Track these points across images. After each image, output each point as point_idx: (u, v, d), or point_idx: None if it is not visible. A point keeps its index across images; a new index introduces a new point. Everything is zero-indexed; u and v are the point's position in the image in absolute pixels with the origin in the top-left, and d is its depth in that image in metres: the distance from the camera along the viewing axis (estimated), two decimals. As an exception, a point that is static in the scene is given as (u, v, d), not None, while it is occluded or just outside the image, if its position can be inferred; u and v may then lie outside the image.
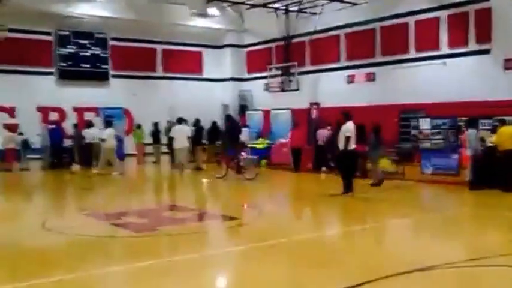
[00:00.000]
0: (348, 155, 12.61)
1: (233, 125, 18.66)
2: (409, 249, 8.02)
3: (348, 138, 12.41)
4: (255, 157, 18.14)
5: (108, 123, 20.04)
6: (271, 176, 18.52)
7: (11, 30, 20.82)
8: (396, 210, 11.53)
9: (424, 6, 19.81)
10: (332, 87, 22.69)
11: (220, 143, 20.21)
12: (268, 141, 21.30)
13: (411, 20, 20.22)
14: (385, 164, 15.47)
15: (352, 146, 12.51)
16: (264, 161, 20.27)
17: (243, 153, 17.27)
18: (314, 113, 22.24)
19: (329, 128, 18.10)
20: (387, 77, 20.91)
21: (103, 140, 18.36)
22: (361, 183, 13.98)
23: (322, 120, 20.11)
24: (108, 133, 18.23)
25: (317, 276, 6.33)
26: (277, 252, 7.62)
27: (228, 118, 19.57)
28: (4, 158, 19.73)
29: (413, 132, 17.03)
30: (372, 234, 9.23)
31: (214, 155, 21.25)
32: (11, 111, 22.42)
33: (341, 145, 12.55)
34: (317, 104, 22.74)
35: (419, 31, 19.93)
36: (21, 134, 20.50)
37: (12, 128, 20.76)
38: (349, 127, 12.56)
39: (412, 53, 20.23)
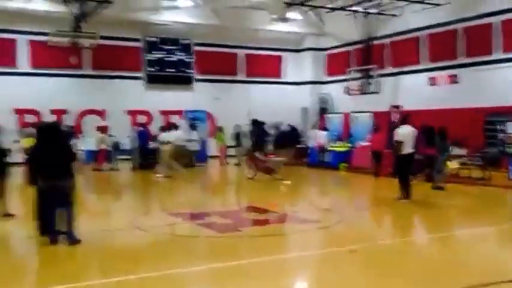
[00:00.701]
0: (401, 160, 12.46)
1: (259, 129, 18.82)
2: (493, 259, 7.79)
3: (398, 143, 12.27)
4: (283, 159, 18.41)
5: (192, 126, 20.77)
6: (350, 180, 18.49)
7: (102, 38, 21.97)
8: (479, 218, 11.21)
9: (509, 6, 19.11)
10: (413, 90, 22.29)
11: (250, 146, 20.55)
12: (348, 145, 21.23)
13: (496, 20, 19.54)
14: (452, 167, 15.06)
15: (408, 150, 12.34)
16: (343, 165, 20.25)
17: (270, 156, 18.03)
18: (395, 116, 21.95)
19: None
20: (471, 79, 20.29)
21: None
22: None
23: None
24: (176, 135, 18.85)
25: (399, 284, 6.32)
26: (357, 257, 7.65)
27: (254, 123, 19.92)
28: (96, 159, 20.87)
29: (500, 136, 16.48)
30: (452, 242, 9.07)
31: (293, 158, 21.54)
32: (102, 114, 23.67)
33: (395, 150, 12.46)
34: (398, 106, 22.41)
35: (506, 31, 19.23)
36: (111, 135, 21.61)
37: (103, 129, 21.90)
38: (400, 131, 12.41)
39: (498, 54, 19.52)
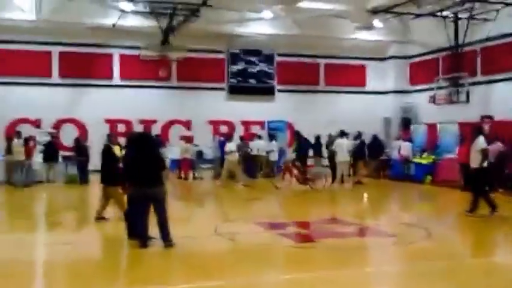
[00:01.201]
0: (480, 173, 12.06)
1: (302, 141, 19.56)
2: None
3: (484, 154, 11.88)
4: (323, 169, 18.61)
5: (271, 136, 20.95)
6: (436, 194, 17.98)
7: (188, 50, 22.76)
8: None
9: None
10: (508, 99, 21.14)
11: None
12: (433, 157, 20.60)
13: None
14: None
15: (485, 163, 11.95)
16: (428, 178, 19.71)
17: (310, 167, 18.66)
18: (486, 127, 20.96)
19: (500, 143, 17.01)
20: None
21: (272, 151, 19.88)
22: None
23: (493, 135, 18.92)
24: (230, 146, 19.20)
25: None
26: (440, 275, 7.45)
27: (297, 134, 20.16)
28: (180, 167, 21.56)
29: None
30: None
31: (375, 169, 21.27)
32: (187, 124, 24.41)
33: (474, 163, 12.01)
34: (490, 117, 21.30)
35: None
36: (196, 145, 22.26)
37: (188, 139, 22.59)
38: (480, 142, 12.01)
39: None
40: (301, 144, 19.78)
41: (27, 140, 19.68)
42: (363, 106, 26.60)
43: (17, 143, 19.16)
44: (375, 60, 27.79)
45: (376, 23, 23.58)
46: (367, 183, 19.53)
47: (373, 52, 27.34)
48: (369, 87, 27.85)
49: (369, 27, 23.67)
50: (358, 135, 21.09)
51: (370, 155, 21.23)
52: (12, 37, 21.95)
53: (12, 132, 20.87)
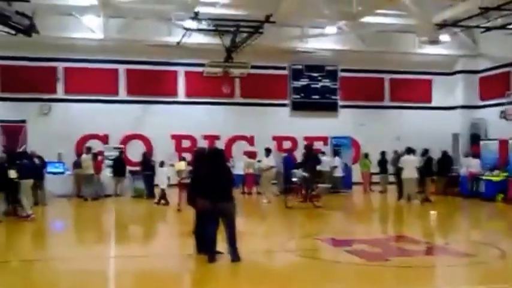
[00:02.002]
0: None
1: (310, 156, 18.58)
2: None
3: None
4: (329, 186, 18.46)
5: (335, 152, 20.71)
6: (507, 212, 17.28)
7: (252, 67, 22.92)
8: None
9: None
10: None
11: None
12: (505, 174, 19.78)
13: None
14: None
15: None
16: (500, 196, 18.96)
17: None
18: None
19: None
20: None
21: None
22: None
23: None
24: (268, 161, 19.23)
25: None
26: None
27: (307, 148, 19.57)
28: (244, 183, 21.64)
29: None
30: None
31: (443, 186, 20.67)
32: (250, 140, 24.54)
33: None
34: None
35: None
36: (259, 161, 22.28)
37: (251, 155, 22.69)
38: None
39: None
40: (309, 159, 18.76)
41: (96, 155, 20.31)
42: (430, 122, 26.01)
43: (86, 157, 19.78)
44: (442, 75, 27.16)
45: (443, 36, 23.03)
46: (435, 200, 18.98)
47: (439, 66, 26.73)
48: (435, 102, 27.23)
49: (436, 41, 23.14)
50: (425, 152, 20.54)
51: (438, 171, 20.62)
52: (82, 56, 22.83)
53: (81, 147, 21.57)
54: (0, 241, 11.97)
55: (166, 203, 17.44)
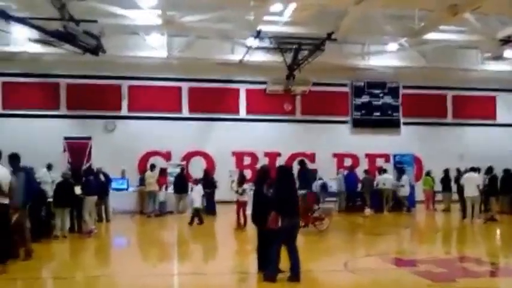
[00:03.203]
0: None
1: (304, 173, 17.89)
2: None
3: None
4: (332, 206, 17.43)
5: (400, 170, 20.36)
6: None
7: (313, 84, 23.00)
8: None
9: None
10: None
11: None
12: None
13: None
14: None
15: None
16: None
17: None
18: None
19: None
20: None
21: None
22: None
23: None
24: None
25: None
26: None
27: (300, 164, 18.99)
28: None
29: None
30: None
31: (508, 205, 19.96)
32: (311, 157, 24.45)
33: None
34: None
35: None
36: (320, 178, 22.19)
37: (313, 172, 22.60)
38: None
39: None
40: (302, 176, 17.77)
41: (163, 171, 20.70)
42: (494, 139, 25.34)
43: (150, 174, 20.19)
44: (506, 91, 26.36)
45: (507, 52, 22.40)
46: (500, 219, 18.33)
47: (503, 83, 25.98)
48: (499, 119, 26.42)
49: (499, 57, 22.56)
50: (490, 170, 19.90)
51: (502, 190, 19.92)
52: (146, 74, 23.44)
53: (144, 164, 22.08)
54: (65, 257, 12.32)
55: (201, 223, 17.01)
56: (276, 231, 8.73)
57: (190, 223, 16.86)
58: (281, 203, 8.80)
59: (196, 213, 17.09)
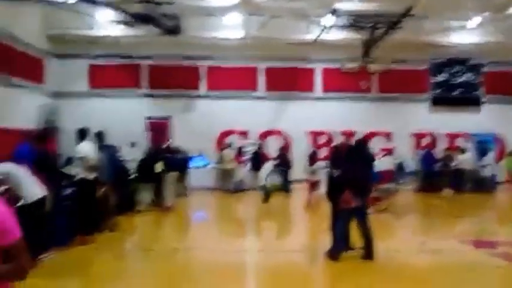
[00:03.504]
0: None
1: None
2: None
3: None
4: (392, 187, 16.48)
5: (481, 150, 19.87)
6: None
7: (390, 62, 22.54)
8: None
9: None
10: None
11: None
12: None
13: None
14: None
15: None
16: None
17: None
18: None
19: None
20: None
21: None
22: None
23: None
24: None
25: None
26: None
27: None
28: (380, 179, 21.33)
29: None
30: None
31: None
32: (387, 136, 24.14)
33: None
34: None
35: None
36: (396, 158, 21.91)
37: (388, 151, 22.31)
38: None
39: None
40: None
41: (241, 149, 21.13)
42: None
43: (228, 152, 20.69)
44: None
45: None
46: None
47: None
48: None
49: None
50: None
51: None
52: (223, 54, 23.81)
53: (221, 142, 22.60)
54: (146, 230, 12.96)
55: (267, 200, 16.93)
56: (348, 210, 8.82)
57: (264, 201, 17.04)
58: (353, 181, 8.84)
59: (266, 190, 17.20)
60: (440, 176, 21.53)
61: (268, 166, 17.87)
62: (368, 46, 21.01)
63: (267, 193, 17.11)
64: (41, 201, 7.72)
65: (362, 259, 8.80)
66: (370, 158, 10.12)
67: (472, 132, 23.62)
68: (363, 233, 8.90)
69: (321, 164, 15.89)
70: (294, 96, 24.24)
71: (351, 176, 8.95)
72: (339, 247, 8.85)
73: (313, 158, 16.36)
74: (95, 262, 9.12)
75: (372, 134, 23.71)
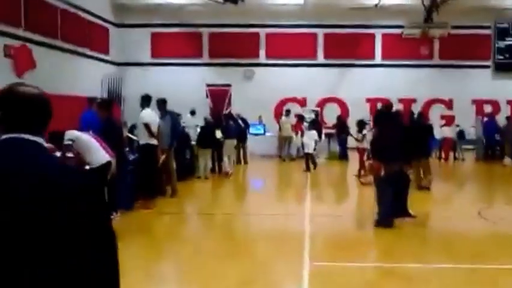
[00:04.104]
0: None
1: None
2: None
3: None
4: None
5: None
6: None
7: (452, 27, 21.94)
8: None
9: None
10: None
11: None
12: None
13: None
14: None
15: None
16: None
17: None
18: None
19: None
20: None
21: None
22: None
23: None
24: None
25: None
26: None
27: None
28: (441, 147, 21.10)
29: None
30: None
31: None
32: (448, 104, 23.68)
33: None
34: None
35: None
36: (457, 125, 21.54)
37: (448, 119, 21.97)
38: None
39: None
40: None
41: (301, 117, 21.20)
42: None
43: (285, 120, 20.87)
44: None
45: None
46: None
47: None
48: None
49: None
50: None
51: None
52: (282, 21, 23.85)
53: (280, 110, 22.80)
54: (206, 195, 13.42)
55: (309, 169, 16.64)
56: (381, 178, 8.72)
57: (306, 169, 16.71)
58: (379, 149, 8.70)
59: (309, 158, 16.92)
60: (502, 144, 21.01)
61: (313, 133, 17.45)
62: (430, 11, 20.51)
63: (310, 161, 16.72)
64: (106, 166, 8.19)
65: (375, 226, 8.77)
66: (400, 124, 9.85)
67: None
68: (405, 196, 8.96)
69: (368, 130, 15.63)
70: (353, 63, 24.08)
71: (377, 143, 8.81)
72: (384, 215, 8.71)
73: (360, 125, 16.14)
74: (156, 225, 9.62)
75: (433, 101, 23.40)
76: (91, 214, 1.75)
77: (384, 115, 9.24)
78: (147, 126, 10.52)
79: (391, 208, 8.74)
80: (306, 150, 16.97)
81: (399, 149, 8.70)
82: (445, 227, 9.29)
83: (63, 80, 17.63)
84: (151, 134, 10.55)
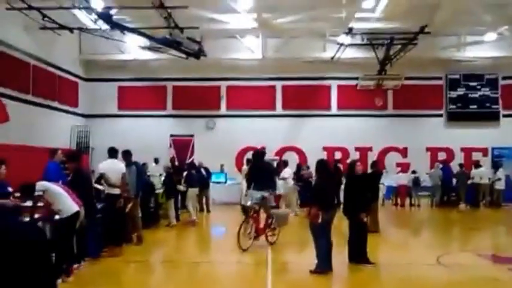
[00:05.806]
0: None
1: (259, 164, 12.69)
2: None
3: None
4: (288, 211, 15.17)
5: (496, 164, 19.99)
6: None
7: (405, 78, 22.93)
8: None
9: None
10: None
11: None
12: None
13: None
14: None
15: None
16: None
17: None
18: None
19: None
20: None
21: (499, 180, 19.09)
22: None
23: None
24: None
25: None
26: None
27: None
28: (397, 194, 21.78)
29: None
30: None
31: None
32: (403, 152, 24.49)
33: None
34: None
35: None
36: (414, 172, 22.29)
37: (403, 167, 22.75)
38: None
39: None
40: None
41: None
42: None
43: (246, 168, 21.17)
44: None
45: None
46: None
47: None
48: None
49: None
50: None
51: None
52: (242, 75, 24.59)
53: (241, 159, 23.12)
54: (170, 244, 13.49)
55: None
56: (318, 225, 8.96)
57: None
58: (319, 196, 9.09)
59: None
60: (456, 190, 21.81)
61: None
62: (384, 64, 21.43)
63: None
64: (74, 216, 8.39)
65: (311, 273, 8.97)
66: (334, 174, 10.34)
67: (490, 146, 23.86)
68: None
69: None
70: (310, 113, 24.76)
71: (316, 191, 9.26)
72: (322, 264, 9.01)
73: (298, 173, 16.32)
74: (123, 273, 9.66)
75: (388, 149, 24.15)
76: (34, 268, 1.84)
77: (320, 164, 9.48)
78: (102, 176, 10.88)
79: (327, 254, 9.03)
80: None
81: (335, 197, 9.15)
82: (406, 274, 9.46)
83: (34, 132, 18.31)
84: (108, 183, 10.86)
